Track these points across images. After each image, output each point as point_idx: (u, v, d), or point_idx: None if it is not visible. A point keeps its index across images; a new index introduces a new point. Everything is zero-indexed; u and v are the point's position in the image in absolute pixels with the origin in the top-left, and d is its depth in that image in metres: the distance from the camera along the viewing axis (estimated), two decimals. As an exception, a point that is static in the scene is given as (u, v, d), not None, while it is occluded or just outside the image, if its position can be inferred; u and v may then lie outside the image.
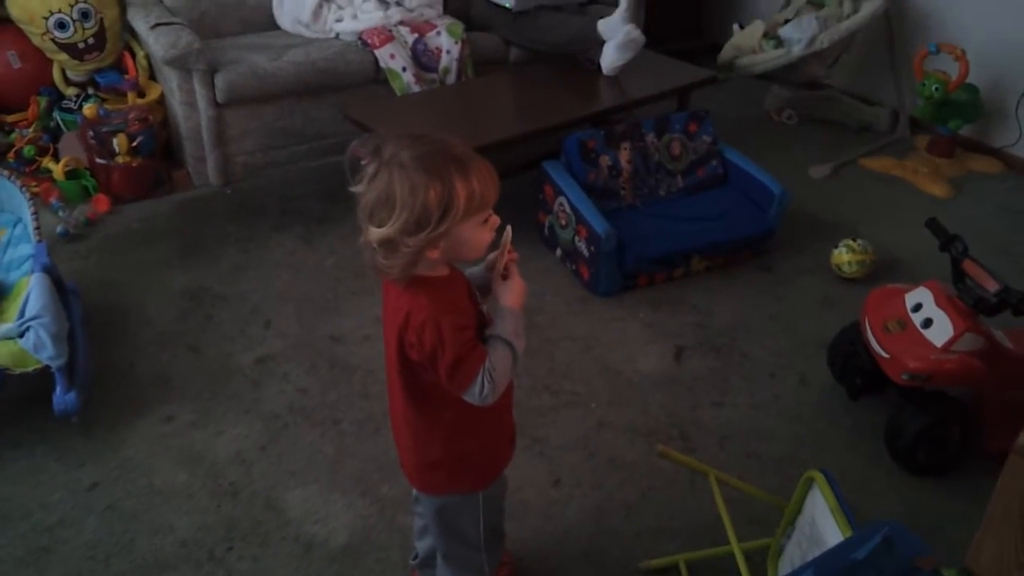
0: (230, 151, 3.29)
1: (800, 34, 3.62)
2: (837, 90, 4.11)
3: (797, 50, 3.63)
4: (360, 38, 3.43)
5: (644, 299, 2.80)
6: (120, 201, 3.22)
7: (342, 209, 3.15)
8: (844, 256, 2.87)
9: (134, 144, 3.16)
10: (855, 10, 3.81)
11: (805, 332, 2.67)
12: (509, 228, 1.42)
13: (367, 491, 2.06)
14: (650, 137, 3.03)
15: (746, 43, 3.80)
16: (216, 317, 2.67)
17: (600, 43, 3.33)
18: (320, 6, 3.54)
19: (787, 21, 3.86)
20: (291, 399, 2.36)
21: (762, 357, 2.57)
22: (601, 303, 2.78)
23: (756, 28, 3.82)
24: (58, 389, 2.13)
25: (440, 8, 3.72)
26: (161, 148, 3.36)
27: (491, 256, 1.48)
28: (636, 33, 3.23)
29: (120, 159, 3.17)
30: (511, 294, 1.42)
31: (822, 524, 1.54)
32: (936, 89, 3.42)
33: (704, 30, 4.70)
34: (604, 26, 3.30)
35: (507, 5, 3.60)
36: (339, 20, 3.53)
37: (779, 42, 3.74)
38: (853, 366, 2.30)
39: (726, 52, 3.87)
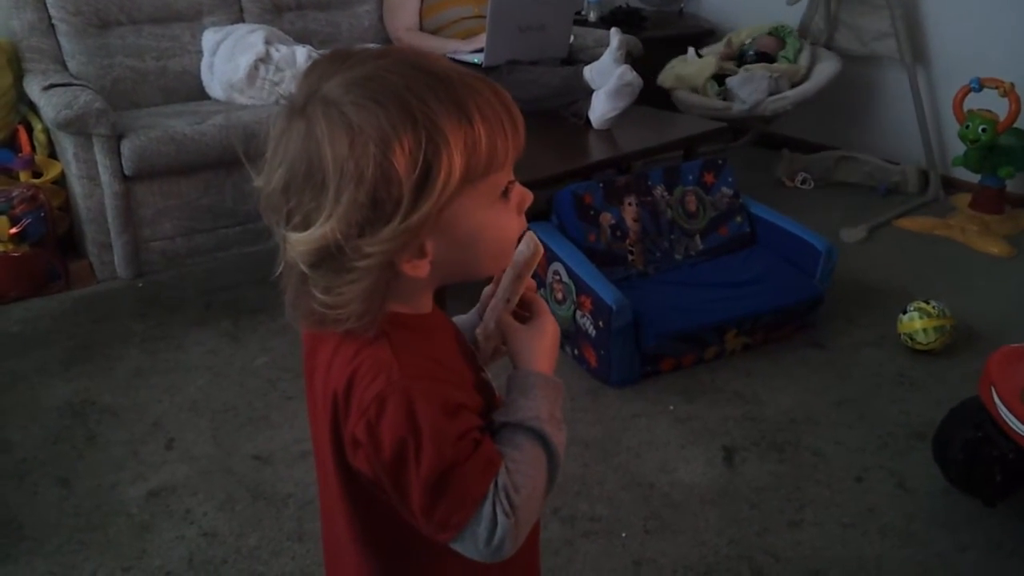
0: (143, 236, 2.67)
1: (748, 94, 3.30)
2: (856, 150, 3.62)
3: (737, 109, 3.33)
4: (303, 100, 2.89)
5: (672, 388, 2.15)
6: (1, 300, 2.56)
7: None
8: (917, 323, 2.26)
9: (18, 229, 2.54)
10: (812, 64, 3.50)
11: (888, 420, 2.03)
12: (531, 233, 0.80)
13: None
14: (659, 190, 2.46)
15: (691, 77, 3.45)
16: (101, 438, 1.97)
17: (588, 93, 2.81)
18: (256, 67, 3.01)
19: (742, 63, 3.55)
20: (193, 547, 1.65)
21: (840, 456, 1.91)
22: (616, 396, 2.13)
23: (707, 64, 3.47)
24: None
25: (398, 71, 3.22)
26: (59, 236, 2.73)
27: (488, 288, 0.85)
28: (631, 75, 2.70)
29: (0, 247, 2.53)
30: (541, 345, 0.79)
31: None
32: (983, 130, 2.91)
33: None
34: (592, 72, 2.78)
35: (475, 61, 3.10)
36: (278, 83, 2.99)
37: (725, 91, 3.41)
38: (985, 458, 1.64)
39: (667, 78, 3.49)
